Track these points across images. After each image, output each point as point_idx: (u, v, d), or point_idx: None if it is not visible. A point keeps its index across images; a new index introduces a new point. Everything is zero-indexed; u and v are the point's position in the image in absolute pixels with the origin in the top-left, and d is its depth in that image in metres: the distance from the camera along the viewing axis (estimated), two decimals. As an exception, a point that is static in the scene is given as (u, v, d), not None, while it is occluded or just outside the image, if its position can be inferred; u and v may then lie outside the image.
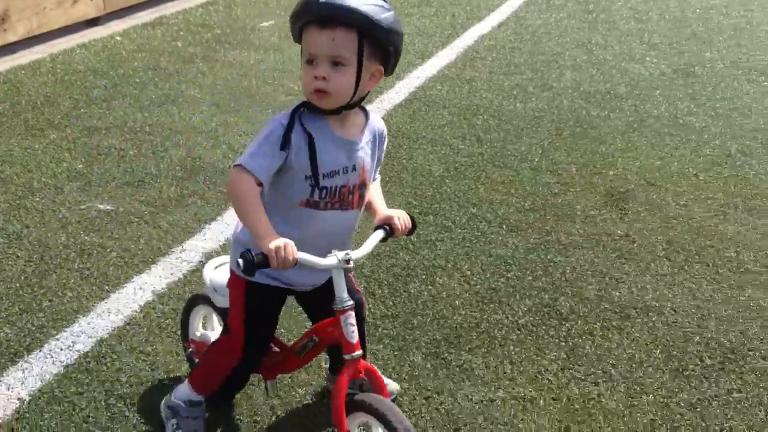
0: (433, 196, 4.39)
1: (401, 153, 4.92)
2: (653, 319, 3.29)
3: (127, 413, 2.71)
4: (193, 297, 2.79)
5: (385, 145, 2.31)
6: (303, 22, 2.02)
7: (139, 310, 3.28)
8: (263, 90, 6.01)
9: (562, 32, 7.68)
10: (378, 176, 2.35)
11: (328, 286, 2.14)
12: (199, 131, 5.18)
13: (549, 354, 3.07)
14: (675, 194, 4.37)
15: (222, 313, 2.58)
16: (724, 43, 7.28)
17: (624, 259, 3.74)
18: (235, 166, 2.02)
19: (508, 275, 3.62)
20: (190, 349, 2.78)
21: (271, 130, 2.04)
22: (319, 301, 2.30)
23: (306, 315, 2.69)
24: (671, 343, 3.14)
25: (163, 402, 2.57)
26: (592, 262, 3.71)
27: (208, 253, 3.71)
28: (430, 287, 3.52)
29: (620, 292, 3.47)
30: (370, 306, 3.32)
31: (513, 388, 2.87)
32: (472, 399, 2.82)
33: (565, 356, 3.07)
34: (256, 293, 2.26)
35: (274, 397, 2.73)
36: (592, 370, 2.99)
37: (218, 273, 2.52)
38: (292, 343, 2.46)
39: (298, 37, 2.08)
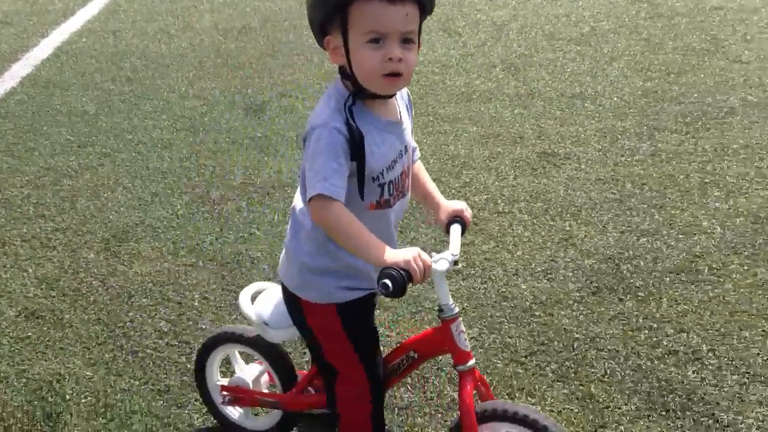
0: (90, 132, 4.75)
1: (54, 101, 5.19)
2: (288, 191, 4.04)
3: None
4: (212, 339, 2.39)
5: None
6: None
7: None
8: None
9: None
10: (418, 153, 2.06)
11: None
12: None
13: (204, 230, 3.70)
14: (303, 99, 5.17)
15: (254, 346, 2.30)
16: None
17: (263, 153, 4.45)
18: (314, 197, 1.69)
19: (165, 181, 4.15)
20: (227, 398, 2.39)
21: (329, 141, 1.69)
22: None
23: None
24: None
25: None
26: (235, 159, 4.37)
27: None
28: (96, 201, 3.95)
29: (261, 177, 4.18)
30: (40, 222, 3.68)
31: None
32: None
33: (219, 230, 3.71)
34: (352, 312, 1.95)
35: None
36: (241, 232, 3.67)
37: (264, 303, 2.15)
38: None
39: (329, 16, 1.70)
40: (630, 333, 2.89)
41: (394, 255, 1.67)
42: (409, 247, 1.70)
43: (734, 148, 4.20)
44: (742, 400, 2.55)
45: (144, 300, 3.22)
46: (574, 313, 3.02)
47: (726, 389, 2.60)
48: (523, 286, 3.20)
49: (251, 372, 2.38)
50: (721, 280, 3.14)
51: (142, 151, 4.52)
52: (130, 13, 7.23)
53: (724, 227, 3.50)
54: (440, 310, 1.89)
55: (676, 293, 3.09)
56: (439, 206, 2.04)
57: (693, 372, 2.68)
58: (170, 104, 5.16)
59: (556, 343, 2.87)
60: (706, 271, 3.21)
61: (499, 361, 2.80)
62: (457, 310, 1.89)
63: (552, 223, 3.63)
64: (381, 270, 1.65)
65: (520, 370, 2.75)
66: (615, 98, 4.91)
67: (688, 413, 2.51)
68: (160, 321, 3.09)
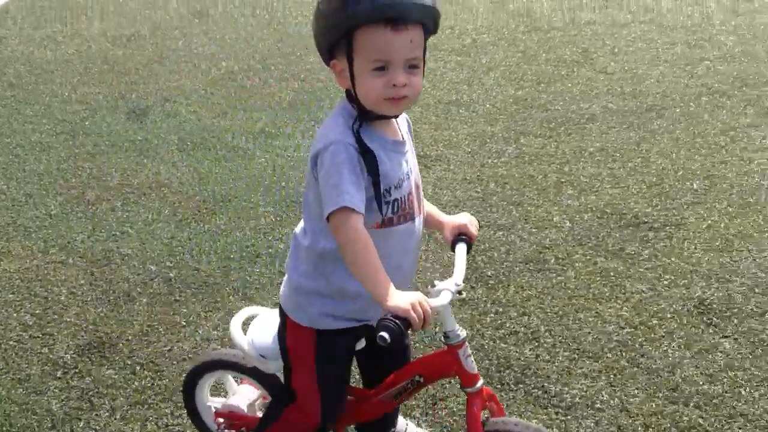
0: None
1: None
2: (164, 191, 4.11)
3: None
4: (199, 367, 2.27)
5: None
6: (364, 21, 1.62)
7: None
8: None
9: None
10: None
11: None
12: None
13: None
14: (187, 105, 5.25)
15: (250, 374, 2.20)
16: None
17: (143, 156, 4.51)
18: (337, 210, 1.64)
19: (41, 183, 4.17)
20: (222, 424, 2.29)
21: (347, 156, 1.66)
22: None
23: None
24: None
25: None
26: (114, 161, 4.41)
27: None
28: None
29: (139, 178, 4.24)
30: None
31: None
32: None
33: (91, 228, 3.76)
34: (330, 343, 1.91)
35: None
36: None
37: (259, 332, 2.06)
38: (378, 387, 2.05)
39: (335, 41, 1.68)
40: (477, 317, 3.10)
41: (395, 300, 1.60)
42: (412, 292, 1.64)
43: (591, 150, 4.50)
44: (570, 374, 2.78)
45: (10, 296, 3.25)
46: (428, 300, 3.20)
47: (557, 364, 2.83)
48: (384, 277, 3.36)
49: (246, 396, 2.28)
50: (565, 268, 3.39)
51: (20, 154, 4.52)
52: (18, 19, 7.15)
53: (573, 222, 3.76)
54: (446, 336, 1.86)
55: (523, 281, 3.32)
56: (443, 224, 2.01)
57: (530, 350, 2.90)
58: (51, 109, 5.15)
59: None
60: (552, 260, 3.46)
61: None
62: (463, 335, 1.85)
63: (417, 219, 3.82)
64: (378, 320, 1.58)
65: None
66: (488, 105, 5.18)
67: (520, 386, 2.72)
68: (25, 315, 3.13)
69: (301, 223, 1.88)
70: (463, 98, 5.29)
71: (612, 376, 2.77)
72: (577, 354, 2.87)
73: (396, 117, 1.81)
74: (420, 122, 4.91)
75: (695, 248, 3.52)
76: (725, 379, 2.74)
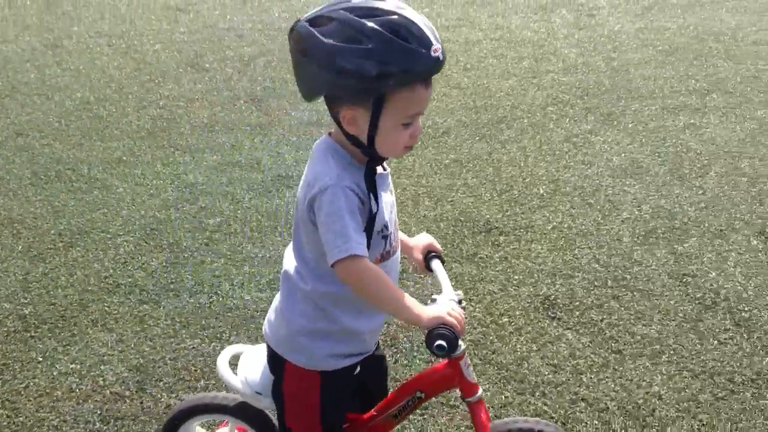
0: None
1: None
2: (17, 227, 3.99)
3: None
4: (188, 410, 2.19)
5: None
6: (410, 81, 1.59)
7: None
8: None
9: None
10: None
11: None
12: None
13: None
14: (40, 137, 5.11)
15: (238, 414, 2.13)
16: (90, 17, 8.25)
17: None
18: (345, 258, 1.62)
19: None
20: None
21: (346, 201, 1.63)
22: (372, 364, 2.00)
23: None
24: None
25: None
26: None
27: None
28: None
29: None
30: None
31: None
32: None
33: None
34: (335, 382, 1.88)
35: None
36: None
37: (250, 369, 2.02)
38: (376, 409, 2.05)
39: (368, 96, 1.60)
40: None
41: (430, 313, 1.66)
42: (439, 303, 1.71)
43: (446, 162, 4.70)
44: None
45: None
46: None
47: (413, 367, 2.95)
48: (247, 297, 3.40)
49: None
50: (422, 276, 3.53)
51: None
52: None
53: (430, 231, 3.92)
54: None
55: (382, 291, 3.43)
56: (411, 248, 2.02)
57: (389, 356, 3.01)
58: None
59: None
60: (410, 269, 3.59)
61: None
62: (464, 346, 1.86)
63: (279, 239, 3.88)
64: (427, 333, 1.64)
65: (236, 372, 2.94)
66: (347, 124, 5.30)
67: (379, 391, 2.82)
68: None
69: (292, 262, 1.82)
70: (323, 119, 5.39)
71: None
72: (434, 357, 3.00)
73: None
74: (282, 143, 4.99)
75: (542, 249, 3.75)
76: (568, 368, 2.94)
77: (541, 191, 4.30)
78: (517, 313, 3.28)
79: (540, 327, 3.18)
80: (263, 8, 8.32)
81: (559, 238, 3.84)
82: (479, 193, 4.31)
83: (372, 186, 1.68)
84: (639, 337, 3.12)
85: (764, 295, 3.36)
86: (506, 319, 3.23)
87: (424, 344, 1.64)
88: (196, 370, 2.95)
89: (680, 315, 3.24)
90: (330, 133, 1.75)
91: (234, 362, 2.10)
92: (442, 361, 1.92)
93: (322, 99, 1.70)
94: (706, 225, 3.93)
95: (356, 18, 1.55)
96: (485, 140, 5.00)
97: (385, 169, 1.80)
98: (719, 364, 2.95)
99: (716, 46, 6.79)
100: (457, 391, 1.94)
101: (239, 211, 4.15)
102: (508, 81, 6.06)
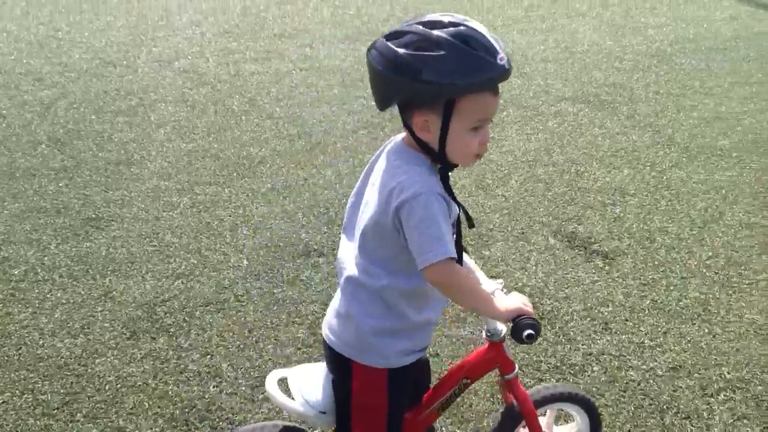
0: None
1: None
2: None
3: None
4: None
5: None
6: (479, 88, 1.71)
7: None
8: None
9: None
10: None
11: None
12: None
13: None
14: None
15: None
16: None
17: None
18: (440, 262, 1.71)
19: None
20: None
21: (439, 207, 1.72)
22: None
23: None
24: None
25: None
26: None
27: None
28: None
29: None
30: None
31: None
32: None
33: None
34: (401, 379, 1.97)
35: None
36: None
37: (305, 390, 2.04)
38: (424, 402, 2.19)
39: (439, 101, 1.71)
40: (160, 365, 3.11)
41: (511, 306, 1.88)
42: (512, 296, 1.94)
43: (263, 191, 4.72)
44: (252, 401, 2.90)
45: None
46: (108, 359, 3.15)
47: (239, 395, 2.93)
48: (60, 345, 3.25)
49: None
50: (244, 304, 3.53)
51: None
52: None
53: (249, 259, 3.92)
54: (491, 334, 2.11)
55: (204, 323, 3.39)
56: None
57: (213, 386, 2.98)
58: None
59: (89, 389, 2.97)
60: (231, 299, 3.57)
61: (31, 419, 2.82)
62: (505, 330, 2.08)
63: (92, 282, 3.73)
64: (514, 324, 1.84)
65: (52, 422, 2.80)
66: (160, 160, 5.20)
67: (206, 422, 2.79)
68: None
69: (358, 264, 1.87)
70: (133, 157, 5.26)
71: (292, 394, 2.94)
72: (259, 382, 3.00)
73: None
74: (90, 185, 4.81)
75: (360, 266, 3.84)
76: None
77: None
78: (340, 329, 3.34)
79: (362, 340, 3.26)
80: (62, 50, 7.99)
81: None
82: (297, 218, 4.37)
83: (449, 191, 1.79)
84: (454, 339, 3.27)
85: (563, 288, 3.63)
86: (329, 337, 3.28)
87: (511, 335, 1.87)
88: (8, 426, 2.78)
89: (491, 314, 3.44)
90: (403, 139, 1.86)
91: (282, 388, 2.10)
92: (483, 346, 2.15)
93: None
94: (509, 229, 4.20)
95: (428, 29, 1.69)
96: (300, 167, 5.08)
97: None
98: (527, 354, 3.16)
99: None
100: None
101: (46, 258, 3.96)
102: (319, 108, 6.19)
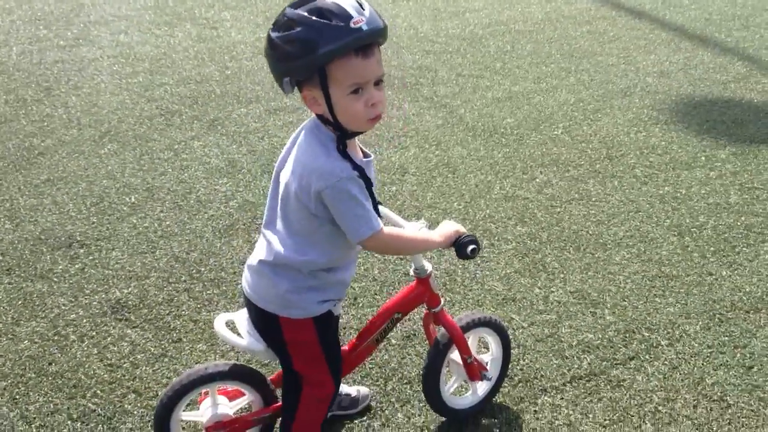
0: None
1: None
2: None
3: None
4: (189, 383, 2.26)
5: None
6: (340, 54, 1.81)
7: None
8: None
9: None
10: None
11: None
12: None
13: None
14: None
15: (238, 377, 2.31)
16: None
17: None
18: (372, 235, 1.96)
19: None
20: None
21: (359, 189, 1.93)
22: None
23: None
24: None
25: None
26: None
27: None
28: None
29: None
30: None
31: None
32: None
33: None
34: (325, 323, 2.18)
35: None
36: None
37: (249, 332, 2.23)
38: (358, 335, 2.45)
39: (311, 72, 1.85)
40: None
41: (446, 231, 2.17)
42: (444, 224, 2.20)
43: (36, 183, 4.54)
44: (-31, 399, 2.78)
45: None
46: None
47: None
48: None
49: (223, 403, 2.36)
50: None
51: None
52: None
53: (5, 254, 3.75)
54: (419, 271, 2.37)
55: (-64, 322, 3.22)
56: None
57: None
58: None
59: None
60: None
61: None
62: (430, 267, 2.39)
63: None
64: (457, 243, 2.13)
65: None
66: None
67: None
68: None
69: (279, 234, 2.04)
70: None
71: (17, 389, 2.84)
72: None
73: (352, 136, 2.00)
74: None
75: (122, 255, 3.77)
76: (126, 364, 2.99)
77: (133, 200, 4.32)
78: (84, 321, 3.27)
79: (105, 331, 3.20)
80: None
81: (142, 243, 3.89)
82: (67, 209, 4.23)
83: (358, 168, 1.93)
84: (202, 324, 3.26)
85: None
86: (71, 330, 3.21)
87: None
88: None
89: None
90: (313, 118, 2.00)
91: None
92: (412, 284, 2.41)
93: None
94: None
95: (293, 10, 1.83)
96: (83, 156, 4.92)
97: (366, 156, 2.06)
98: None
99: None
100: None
101: None
102: (118, 96, 6.01)
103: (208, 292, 3.48)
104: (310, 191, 1.92)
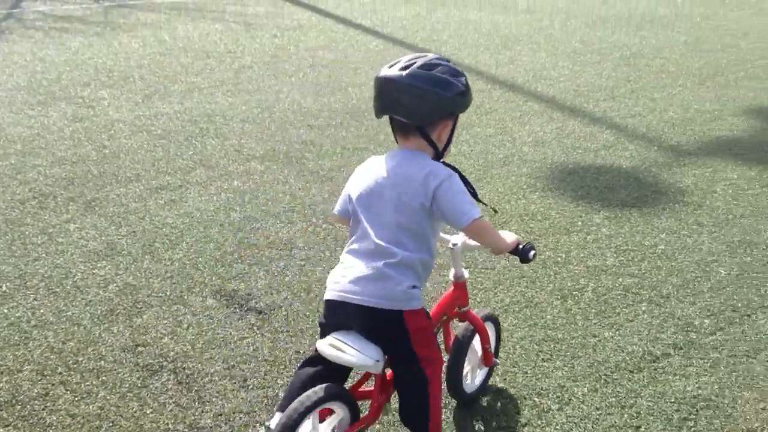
0: None
1: None
2: None
3: None
4: (296, 420, 2.30)
5: None
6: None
7: None
8: None
9: None
10: None
11: None
12: None
13: None
14: None
15: (336, 398, 2.44)
16: None
17: None
18: (479, 218, 2.38)
19: None
20: None
21: (458, 180, 2.44)
22: None
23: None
24: None
25: None
26: None
27: None
28: None
29: None
30: None
31: None
32: None
33: None
34: (426, 311, 2.52)
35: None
36: None
37: (358, 347, 2.41)
38: None
39: (460, 110, 2.52)
40: None
41: (510, 238, 2.57)
42: (507, 232, 2.60)
43: None
44: None
45: None
46: None
47: None
48: None
49: (327, 424, 2.47)
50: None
51: None
52: None
53: None
54: (458, 277, 2.82)
55: None
56: None
57: None
58: None
59: None
60: None
61: None
62: (467, 273, 2.86)
63: None
64: (521, 249, 2.56)
65: None
66: None
67: None
68: None
69: (394, 240, 2.41)
70: None
71: None
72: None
73: None
74: None
75: (-10, 348, 3.52)
76: (-6, 469, 2.75)
77: (4, 288, 4.08)
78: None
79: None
80: None
81: (13, 334, 3.65)
82: (-72, 302, 3.93)
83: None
84: (80, 418, 3.06)
85: (209, 349, 3.56)
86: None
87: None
88: None
89: (125, 386, 3.28)
90: (406, 148, 2.51)
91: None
92: (449, 290, 2.84)
93: None
94: (168, 293, 4.07)
95: (448, 64, 2.46)
96: (-53, 244, 4.61)
97: None
98: (155, 425, 3.02)
99: (207, 126, 7.24)
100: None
101: None
102: (-15, 180, 5.72)
103: (87, 383, 3.29)
104: (428, 190, 2.36)
